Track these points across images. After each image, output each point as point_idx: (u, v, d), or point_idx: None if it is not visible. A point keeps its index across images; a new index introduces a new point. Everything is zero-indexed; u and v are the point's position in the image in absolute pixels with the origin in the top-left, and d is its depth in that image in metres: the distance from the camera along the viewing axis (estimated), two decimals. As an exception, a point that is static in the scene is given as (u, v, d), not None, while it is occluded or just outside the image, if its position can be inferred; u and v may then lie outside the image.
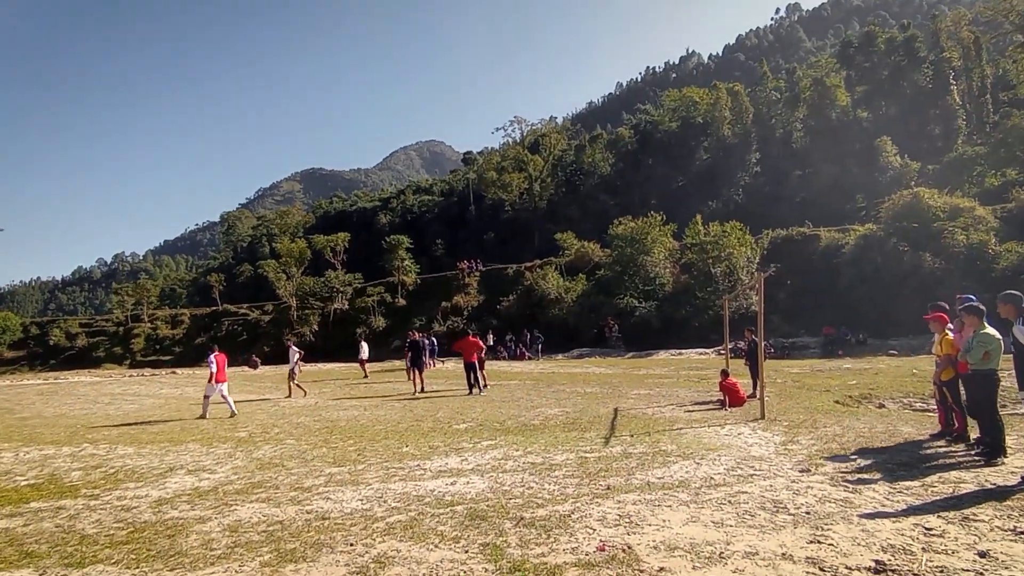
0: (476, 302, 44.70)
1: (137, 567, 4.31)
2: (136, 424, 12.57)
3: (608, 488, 5.76)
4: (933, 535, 4.09)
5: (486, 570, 3.89)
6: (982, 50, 55.28)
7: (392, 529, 4.85)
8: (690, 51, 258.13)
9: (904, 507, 4.75)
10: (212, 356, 13.28)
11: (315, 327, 47.70)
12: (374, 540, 4.61)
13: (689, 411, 11.19)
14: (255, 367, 34.89)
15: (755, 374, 12.69)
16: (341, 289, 49.44)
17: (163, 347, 56.23)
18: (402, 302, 48.05)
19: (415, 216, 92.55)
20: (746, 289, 31.81)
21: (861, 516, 4.56)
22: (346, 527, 4.97)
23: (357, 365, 25.94)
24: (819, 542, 4.03)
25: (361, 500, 5.81)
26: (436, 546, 4.40)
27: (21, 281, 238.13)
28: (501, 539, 4.46)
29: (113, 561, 4.45)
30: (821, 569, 3.60)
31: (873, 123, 54.26)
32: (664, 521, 4.67)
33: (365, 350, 25.36)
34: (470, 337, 16.44)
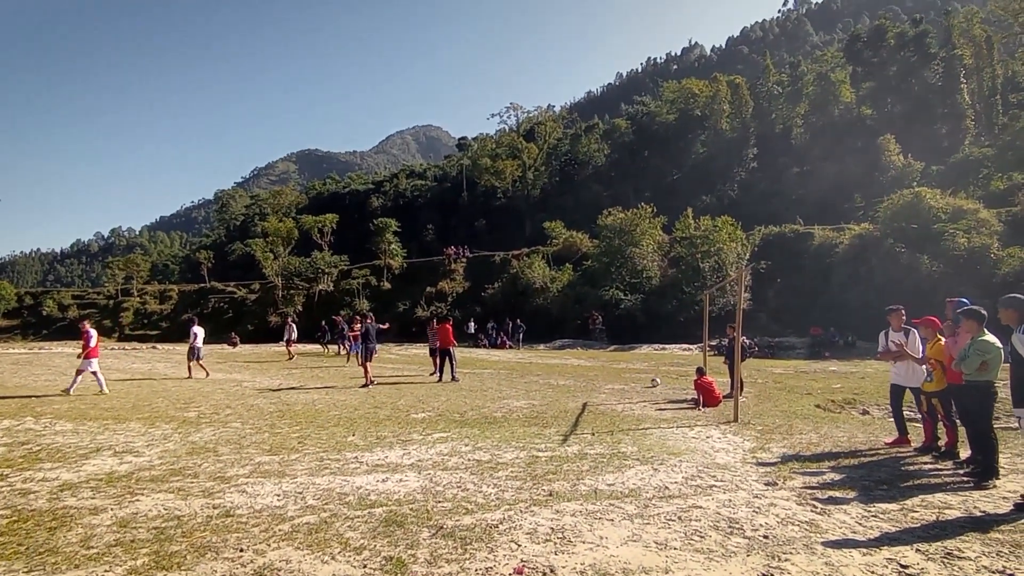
0: (461, 288, 44.03)
1: (-3, 567, 3.79)
2: (90, 397, 11.96)
3: (550, 494, 5.19)
4: (909, 573, 3.50)
5: (378, 592, 3.31)
6: (993, 49, 54.27)
7: (294, 533, 4.29)
8: (693, 42, 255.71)
9: (877, 535, 4.17)
10: (86, 329, 13.10)
11: (299, 307, 46.92)
12: (268, 546, 4.07)
13: (661, 409, 10.63)
14: (234, 345, 34.36)
15: (732, 373, 12.17)
16: (327, 270, 48.65)
17: (151, 321, 55.66)
18: (387, 285, 47.31)
19: (407, 200, 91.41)
20: (733, 285, 31.36)
21: (826, 544, 3.97)
22: (247, 527, 4.43)
23: (291, 346, 24.46)
24: None
25: (278, 495, 5.26)
26: (333, 557, 3.83)
27: (21, 252, 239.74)
28: (409, 552, 3.89)
29: (-25, 559, 3.93)
30: (766, 611, 3.01)
31: (877, 121, 53.32)
32: (601, 538, 4.11)
33: (293, 332, 24.37)
34: (448, 324, 15.98)
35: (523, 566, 3.62)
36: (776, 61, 79.55)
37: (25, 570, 3.75)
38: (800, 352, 25.96)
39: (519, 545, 4.00)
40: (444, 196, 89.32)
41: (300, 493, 5.32)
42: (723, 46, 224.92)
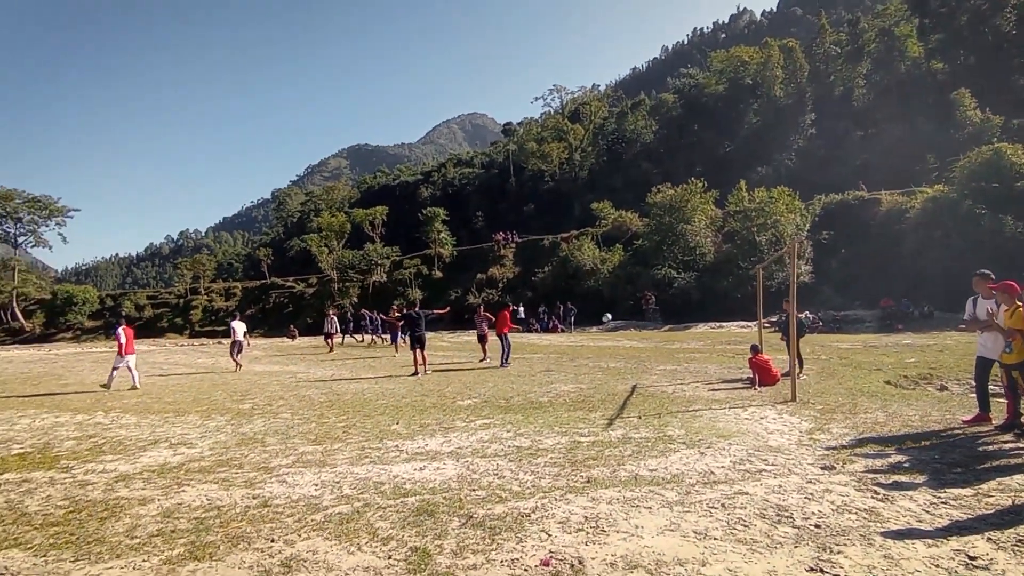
0: (512, 273, 43.94)
1: (46, 554, 3.98)
2: (156, 392, 12.52)
3: (588, 481, 5.00)
4: (976, 567, 3.14)
5: (398, 584, 3.21)
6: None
7: (326, 523, 4.28)
8: (741, 8, 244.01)
9: (946, 523, 3.78)
10: (119, 329, 13.56)
11: (355, 299, 47.98)
12: (299, 536, 4.07)
13: (714, 390, 10.21)
14: (293, 338, 35.60)
15: (790, 350, 11.58)
16: (379, 262, 49.48)
17: (218, 318, 58.20)
18: (439, 274, 47.76)
19: (456, 189, 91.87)
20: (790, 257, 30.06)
21: (886, 534, 3.62)
22: (282, 517, 4.46)
23: (325, 340, 24.94)
24: (821, 571, 3.16)
25: (316, 485, 5.28)
26: (360, 548, 3.78)
27: (103, 257, 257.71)
28: (437, 542, 3.79)
29: (29, 546, 4.13)
30: (811, 610, 2.74)
31: (949, 75, 49.52)
32: (636, 527, 3.89)
33: (334, 324, 24.57)
34: (506, 311, 16.21)
35: (550, 557, 3.46)
36: (833, 20, 74.86)
37: (72, 559, 3.87)
38: (869, 326, 24.59)
39: (549, 535, 3.84)
40: (492, 183, 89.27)
41: (338, 483, 5.32)
42: (774, 9, 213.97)
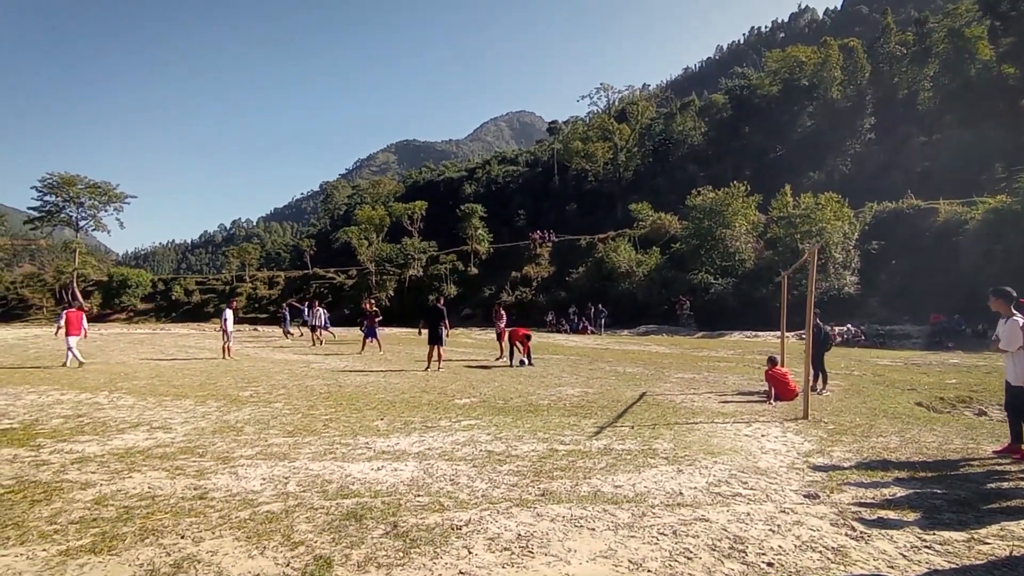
0: (547, 272, 43.49)
1: (-39, 536, 3.85)
2: (168, 375, 12.66)
3: (543, 494, 4.61)
4: None
5: (280, 598, 2.91)
6: None
7: (248, 522, 4.03)
8: (803, 6, 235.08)
9: (919, 573, 3.24)
10: (64, 312, 14.78)
11: (391, 292, 48.44)
12: (212, 533, 3.83)
13: (725, 402, 9.61)
14: (325, 328, 36.03)
15: (815, 363, 10.83)
16: (416, 256, 49.75)
17: (260, 305, 59.83)
18: (474, 271, 47.68)
19: (499, 186, 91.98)
20: (836, 267, 28.59)
21: None
22: (208, 512, 4.25)
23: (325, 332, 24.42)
24: (748, 616, 2.68)
25: (264, 479, 5.07)
26: (264, 552, 3.51)
27: (160, 243, 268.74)
28: (346, 551, 3.49)
29: (-49, 527, 4.01)
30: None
31: (1021, 81, 46.52)
32: (568, 551, 3.48)
33: (322, 316, 23.89)
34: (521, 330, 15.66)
35: (452, 581, 3.08)
36: (900, 20, 71.33)
37: (-18, 543, 3.72)
38: (916, 342, 23.16)
39: (471, 552, 3.47)
40: (535, 181, 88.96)
41: (286, 478, 5.08)
42: (838, 7, 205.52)
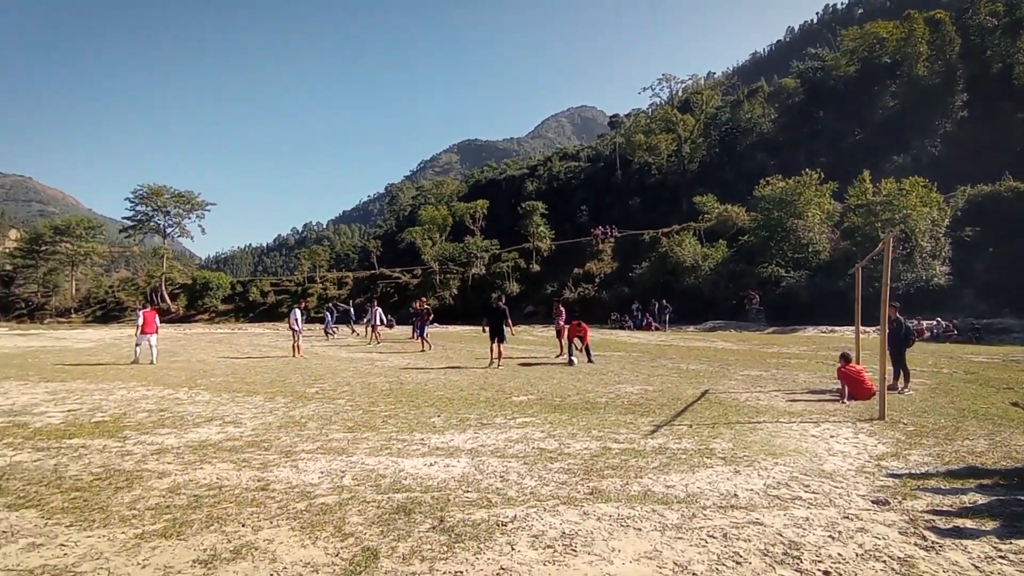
0: (609, 268, 42.95)
1: (52, 517, 4.23)
2: (242, 372, 13.36)
3: (592, 492, 4.56)
4: None
5: (327, 586, 3.02)
6: None
7: (304, 513, 4.21)
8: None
9: (992, 582, 2.97)
10: (140, 312, 15.74)
11: (455, 291, 49.16)
12: (270, 523, 4.03)
13: (793, 400, 9.20)
14: (390, 326, 36.97)
15: (896, 360, 10.18)
16: (479, 255, 50.25)
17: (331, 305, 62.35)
18: (536, 268, 47.69)
19: (561, 183, 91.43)
20: (924, 257, 26.78)
21: None
22: (268, 503, 4.47)
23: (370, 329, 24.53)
24: (797, 625, 2.55)
25: (321, 473, 5.26)
26: (314, 543, 3.65)
27: (238, 247, 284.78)
28: (393, 544, 3.59)
29: (45, 507, 4.41)
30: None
31: None
32: (612, 551, 3.43)
33: (379, 315, 23.97)
34: (582, 324, 15.46)
35: (493, 576, 3.09)
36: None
37: (68, 524, 4.07)
38: (1018, 337, 21.37)
39: (513, 549, 3.48)
40: (597, 176, 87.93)
41: (343, 472, 5.25)
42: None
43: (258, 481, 5.01)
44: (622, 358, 16.18)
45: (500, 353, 14.31)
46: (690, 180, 62.90)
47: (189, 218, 66.24)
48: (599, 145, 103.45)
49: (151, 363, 15.08)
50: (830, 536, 3.63)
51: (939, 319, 23.61)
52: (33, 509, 4.37)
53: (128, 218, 65.56)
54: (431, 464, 5.49)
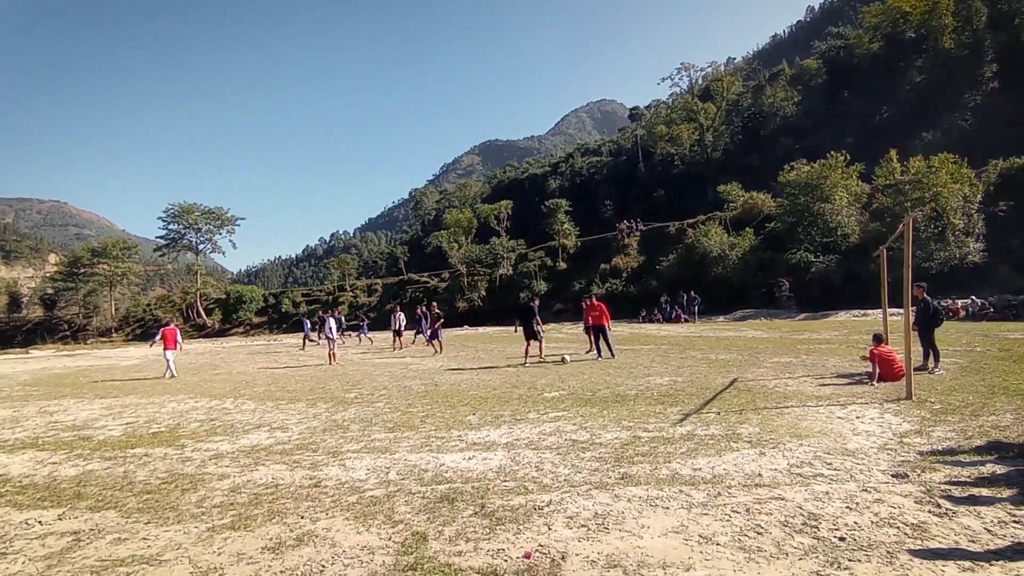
0: (636, 263, 42.86)
1: (130, 516, 4.66)
2: (281, 381, 13.92)
3: (623, 477, 4.83)
4: None
5: (383, 563, 3.40)
6: None
7: (355, 505, 4.57)
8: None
9: (1003, 546, 3.18)
10: (160, 329, 16.57)
11: (483, 292, 49.58)
12: (326, 515, 4.39)
13: (822, 385, 9.30)
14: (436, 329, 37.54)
15: (925, 341, 10.20)
16: (505, 255, 50.61)
17: (362, 313, 63.36)
18: (563, 265, 47.85)
19: (584, 178, 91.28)
20: (957, 234, 26.24)
21: (917, 553, 3.13)
22: (322, 497, 4.84)
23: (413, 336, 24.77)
24: (811, 585, 2.80)
25: (368, 470, 5.62)
26: (369, 529, 4.01)
27: (268, 260, 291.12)
28: (439, 528, 3.91)
29: (123, 508, 4.86)
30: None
31: None
32: (642, 527, 3.70)
33: (400, 320, 23.55)
34: (597, 301, 15.81)
35: (530, 552, 3.40)
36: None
37: (146, 522, 4.50)
38: (1056, 312, 20.90)
39: (550, 528, 3.78)
40: (620, 170, 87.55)
41: (388, 468, 5.61)
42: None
43: (310, 479, 5.39)
44: (651, 351, 16.32)
45: (541, 350, 14.67)
46: (714, 169, 62.24)
47: (220, 234, 68.18)
48: (620, 139, 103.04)
49: (171, 376, 15.91)
50: (848, 507, 3.84)
51: (974, 297, 23.17)
52: (112, 510, 4.82)
53: (161, 237, 67.78)
54: (469, 458, 5.82)
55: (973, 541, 3.26)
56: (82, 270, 65.06)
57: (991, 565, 2.94)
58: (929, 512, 3.70)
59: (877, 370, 9.47)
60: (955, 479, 4.35)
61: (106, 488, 5.47)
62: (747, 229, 35.88)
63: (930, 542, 3.28)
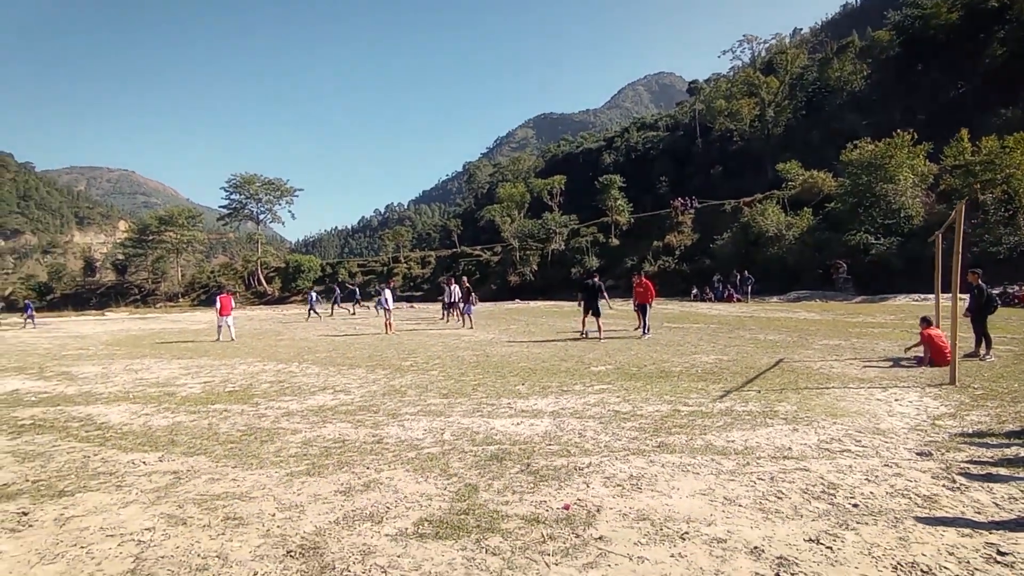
0: (690, 241, 42.35)
1: (219, 461, 5.31)
2: (341, 348, 14.75)
3: (659, 445, 5.20)
4: (998, 562, 2.88)
5: (440, 508, 3.90)
6: None
7: (414, 460, 5.08)
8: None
9: (1008, 519, 3.40)
10: (218, 297, 17.75)
11: (535, 267, 49.97)
12: (388, 467, 4.91)
13: (867, 367, 9.36)
14: (474, 303, 38.33)
15: (977, 328, 10.06)
16: (557, 230, 50.74)
17: (416, 284, 64.85)
18: (615, 242, 47.67)
19: (639, 154, 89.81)
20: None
21: (921, 520, 3.40)
22: (384, 452, 5.36)
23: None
24: (819, 542, 3.14)
25: (425, 430, 6.14)
26: (427, 480, 4.52)
27: (325, 230, 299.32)
28: (489, 482, 4.38)
29: (211, 454, 5.53)
30: (780, 575, 2.80)
31: None
32: (672, 488, 4.08)
33: (455, 293, 22.96)
34: (645, 279, 16.01)
35: (569, 504, 3.83)
36: None
37: (233, 466, 5.14)
38: None
39: (588, 486, 4.20)
40: (677, 145, 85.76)
41: (443, 430, 6.13)
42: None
43: (373, 436, 5.97)
44: (700, 330, 16.42)
45: (600, 327, 15.03)
46: (775, 146, 60.21)
47: (279, 204, 70.62)
48: (678, 113, 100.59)
49: (231, 340, 17.23)
50: (867, 479, 4.11)
51: (1019, 285, 22.13)
52: (203, 456, 5.50)
53: (223, 206, 70.64)
54: (518, 424, 6.28)
55: (979, 512, 3.49)
56: (150, 237, 68.72)
57: (990, 533, 3.17)
58: (943, 486, 3.93)
59: (928, 354, 9.45)
60: (976, 458, 4.53)
61: (195, 437, 6.20)
62: (805, 209, 34.88)
63: (937, 511, 3.53)
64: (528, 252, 52.07)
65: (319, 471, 4.84)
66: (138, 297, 69.98)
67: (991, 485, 3.93)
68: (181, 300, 66.75)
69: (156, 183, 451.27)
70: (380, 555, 3.22)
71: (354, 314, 31.76)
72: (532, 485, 4.27)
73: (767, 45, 68.07)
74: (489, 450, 5.26)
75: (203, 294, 68.76)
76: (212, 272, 75.35)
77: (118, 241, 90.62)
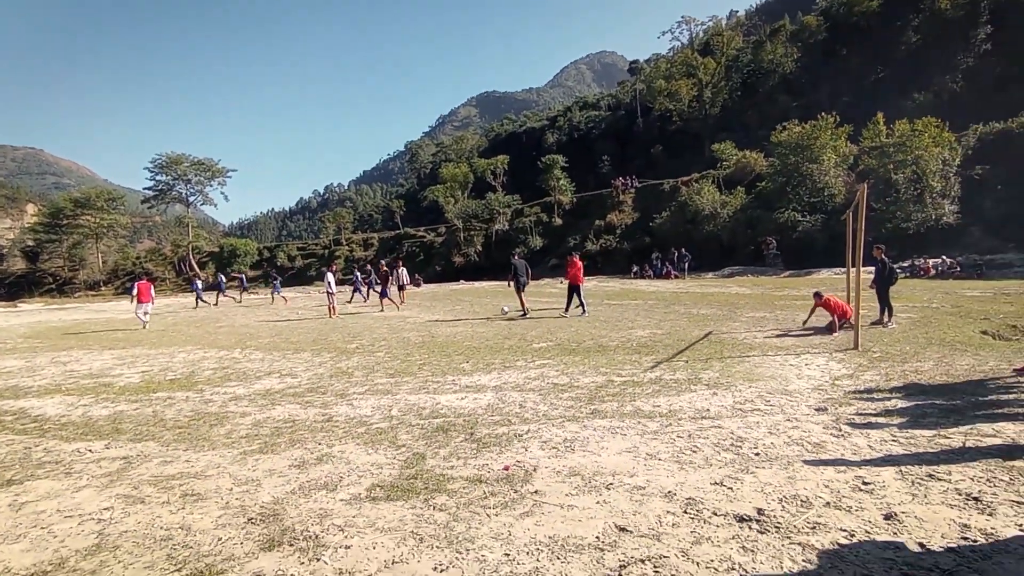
0: (630, 219, 43.45)
1: (168, 445, 5.42)
2: (285, 334, 14.72)
3: (592, 412, 5.66)
4: (862, 490, 3.46)
5: (390, 474, 4.21)
6: None
7: (364, 434, 5.35)
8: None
9: (876, 457, 4.03)
10: (135, 284, 17.61)
11: (479, 247, 50.16)
12: (340, 442, 5.17)
13: (785, 336, 10.18)
14: (418, 285, 38.37)
15: (881, 298, 11.13)
16: (501, 211, 51.00)
17: (358, 266, 63.90)
18: (558, 221, 48.36)
19: (582, 133, 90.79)
20: (935, 197, 26.95)
21: (807, 462, 3.99)
22: (335, 429, 5.60)
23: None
24: (722, 484, 3.66)
25: (372, 408, 6.41)
26: (376, 451, 4.82)
27: (261, 212, 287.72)
28: (435, 450, 4.72)
29: (161, 439, 5.62)
30: (687, 512, 3.29)
31: None
32: (601, 448, 4.54)
33: (403, 276, 22.79)
34: (576, 259, 16.35)
35: (509, 466, 4.22)
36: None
37: (184, 449, 5.27)
38: (1019, 271, 21.82)
39: (526, 450, 4.60)
40: (619, 125, 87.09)
41: (390, 407, 6.41)
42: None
43: (323, 415, 6.19)
44: (638, 306, 17.14)
45: (522, 302, 15.57)
46: (712, 126, 62.10)
47: (211, 185, 67.68)
48: (619, 93, 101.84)
49: (144, 328, 16.95)
50: (769, 432, 4.70)
51: (944, 257, 24.11)
52: (151, 441, 5.57)
53: (148, 188, 66.88)
54: (462, 398, 6.63)
55: (855, 454, 4.11)
56: (65, 221, 62.88)
57: (860, 469, 3.78)
58: (831, 435, 4.56)
59: (835, 317, 10.43)
60: (862, 411, 5.22)
61: (140, 424, 6.23)
62: (739, 188, 36.42)
63: (822, 455, 4.13)
64: (472, 233, 52.18)
65: (272, 449, 5.05)
66: (53, 286, 65.57)
67: (869, 432, 4.57)
68: (103, 289, 63.05)
69: (69, 162, 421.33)
70: (337, 517, 3.52)
71: (217, 304, 30.39)
72: (475, 451, 4.63)
73: (704, 27, 69.75)
74: (435, 423, 5.59)
75: (128, 281, 65.19)
76: (138, 258, 71.39)
77: (27, 226, 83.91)
